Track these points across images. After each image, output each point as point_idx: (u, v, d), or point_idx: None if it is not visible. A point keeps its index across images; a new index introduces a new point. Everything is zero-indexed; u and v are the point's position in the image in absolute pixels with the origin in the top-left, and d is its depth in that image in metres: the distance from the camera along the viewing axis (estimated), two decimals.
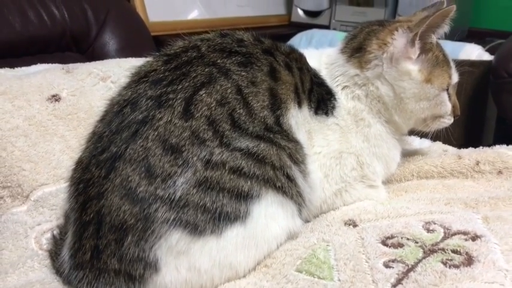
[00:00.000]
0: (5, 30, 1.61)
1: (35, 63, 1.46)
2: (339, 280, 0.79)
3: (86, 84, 1.27)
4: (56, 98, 1.20)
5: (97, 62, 1.41)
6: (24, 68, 1.41)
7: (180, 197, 0.77)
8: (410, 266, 0.79)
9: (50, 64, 1.45)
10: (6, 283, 0.86)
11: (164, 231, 0.77)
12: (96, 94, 1.24)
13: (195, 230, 0.78)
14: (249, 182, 0.81)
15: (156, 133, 0.79)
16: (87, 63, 1.40)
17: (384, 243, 0.86)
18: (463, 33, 2.33)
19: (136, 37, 1.90)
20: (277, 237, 0.87)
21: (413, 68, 0.99)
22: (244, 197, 0.81)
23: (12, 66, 1.41)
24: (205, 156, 0.80)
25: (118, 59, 1.50)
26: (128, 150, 0.79)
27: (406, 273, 0.78)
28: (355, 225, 0.94)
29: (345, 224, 0.95)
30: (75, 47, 1.77)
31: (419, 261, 0.80)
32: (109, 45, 1.80)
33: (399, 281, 0.77)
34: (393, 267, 0.80)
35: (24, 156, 1.08)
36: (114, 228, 0.77)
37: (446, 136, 1.12)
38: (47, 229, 0.99)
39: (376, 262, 0.81)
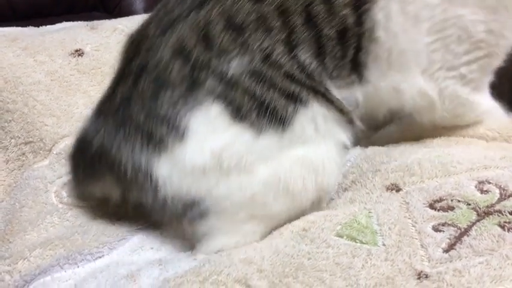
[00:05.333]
0: None
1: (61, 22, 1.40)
2: (384, 245, 0.72)
3: (110, 40, 1.22)
4: (79, 52, 1.15)
5: (123, 18, 1.35)
6: (48, 26, 1.36)
7: (231, 76, 0.74)
8: (463, 230, 0.71)
9: (75, 22, 1.40)
10: (24, 241, 0.82)
11: (207, 99, 0.73)
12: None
13: (238, 112, 0.73)
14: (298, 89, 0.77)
15: (221, 8, 0.75)
16: (113, 19, 1.35)
17: (431, 206, 0.78)
18: None
19: None
20: None
21: None
22: (294, 100, 0.76)
23: (37, 26, 1.37)
24: (266, 48, 0.75)
25: (145, 14, 1.43)
26: (191, 16, 0.76)
27: (458, 238, 0.70)
28: (398, 190, 0.85)
29: (387, 189, 0.86)
30: (102, 6, 1.73)
31: (473, 224, 0.72)
32: (136, 3, 1.74)
33: (451, 246, 0.69)
34: (444, 231, 0.72)
35: (47, 110, 1.04)
36: (157, 80, 0.74)
37: None
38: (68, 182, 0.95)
39: (425, 226, 0.74)
